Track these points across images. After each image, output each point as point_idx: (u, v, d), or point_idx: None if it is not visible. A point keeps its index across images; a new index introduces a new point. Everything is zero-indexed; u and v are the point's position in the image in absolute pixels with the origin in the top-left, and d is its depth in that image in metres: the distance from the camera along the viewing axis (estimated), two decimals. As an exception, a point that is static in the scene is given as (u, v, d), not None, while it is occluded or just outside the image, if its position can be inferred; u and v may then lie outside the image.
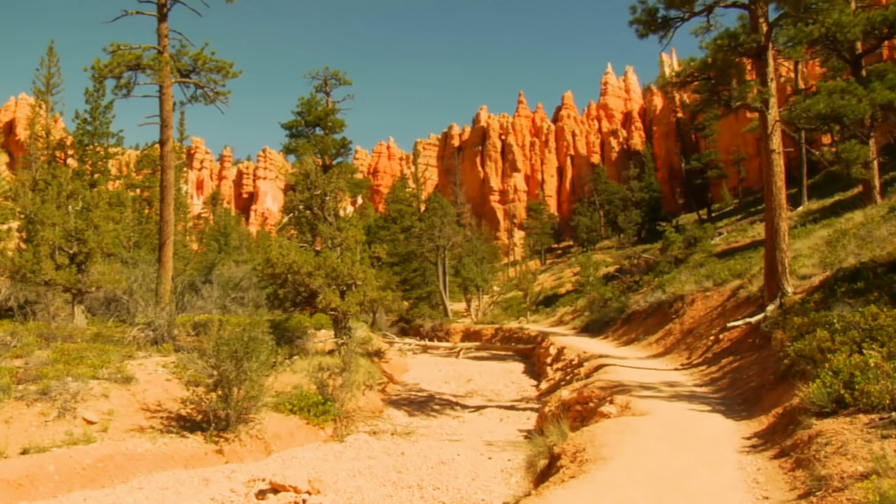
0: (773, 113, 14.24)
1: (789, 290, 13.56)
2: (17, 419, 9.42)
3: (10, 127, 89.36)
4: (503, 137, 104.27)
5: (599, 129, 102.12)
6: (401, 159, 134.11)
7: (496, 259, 70.23)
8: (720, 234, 37.17)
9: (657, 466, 6.63)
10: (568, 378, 16.60)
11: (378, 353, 22.48)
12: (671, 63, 69.51)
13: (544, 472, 7.94)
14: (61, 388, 10.20)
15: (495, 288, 53.55)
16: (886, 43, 39.90)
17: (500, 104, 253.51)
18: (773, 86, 14.38)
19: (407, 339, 34.92)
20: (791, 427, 7.15)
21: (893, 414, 5.99)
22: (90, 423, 9.90)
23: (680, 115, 77.57)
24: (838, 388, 6.80)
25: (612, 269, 44.30)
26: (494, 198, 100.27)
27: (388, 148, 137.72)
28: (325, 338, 20.20)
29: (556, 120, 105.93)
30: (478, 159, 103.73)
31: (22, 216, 20.67)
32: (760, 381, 10.19)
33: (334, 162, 33.49)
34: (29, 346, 12.65)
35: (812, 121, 19.01)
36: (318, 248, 19.57)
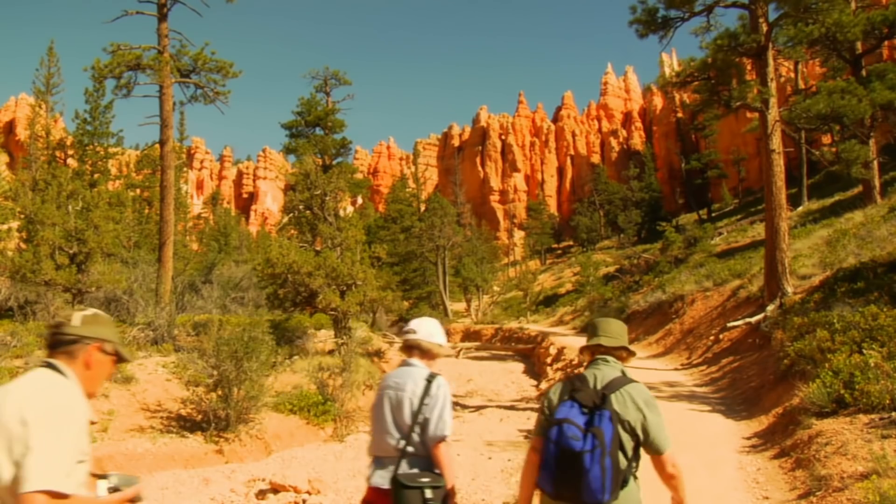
0: (773, 113, 14.26)
1: (789, 289, 13.56)
2: (17, 419, 9.41)
3: (10, 127, 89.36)
4: (503, 137, 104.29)
5: (599, 129, 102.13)
6: (401, 159, 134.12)
7: (496, 259, 70.28)
8: (720, 234, 37.20)
9: (657, 466, 6.62)
10: (568, 378, 16.58)
11: (378, 353, 22.47)
12: (671, 63, 69.45)
13: (544, 472, 7.94)
14: (61, 388, 10.19)
15: (495, 288, 53.56)
16: (886, 43, 39.88)
17: (500, 104, 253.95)
18: (773, 86, 14.40)
19: (407, 339, 34.90)
20: (791, 427, 7.15)
21: (893, 414, 5.99)
22: (90, 422, 9.90)
23: (680, 115, 77.54)
24: (838, 388, 6.81)
25: (612, 269, 44.31)
26: (494, 198, 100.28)
27: (388, 148, 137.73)
28: (325, 338, 20.20)
29: (556, 120, 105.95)
30: (478, 159, 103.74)
31: (22, 216, 20.68)
32: (760, 381, 10.19)
33: (334, 162, 33.49)
34: (29, 346, 12.64)
35: (812, 121, 19.02)
36: (318, 248, 19.57)
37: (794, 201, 30.43)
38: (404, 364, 3.30)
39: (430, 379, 3.13)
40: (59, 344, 2.21)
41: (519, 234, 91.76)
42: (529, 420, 14.41)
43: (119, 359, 2.34)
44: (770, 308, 13.28)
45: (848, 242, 15.46)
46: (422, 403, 3.05)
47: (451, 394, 3.15)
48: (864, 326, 8.26)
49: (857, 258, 13.33)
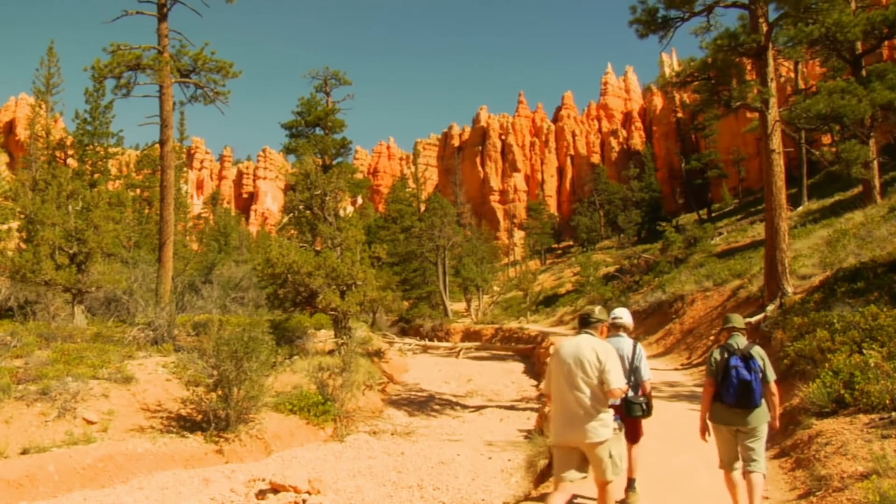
0: (773, 113, 14.25)
1: (789, 290, 13.56)
2: (17, 419, 9.41)
3: (10, 127, 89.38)
4: (503, 137, 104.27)
5: (599, 129, 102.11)
6: (401, 159, 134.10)
7: (496, 259, 70.25)
8: (720, 234, 37.19)
9: (657, 466, 6.63)
10: (568, 378, 16.56)
11: (378, 353, 22.47)
12: (671, 63, 69.42)
13: (544, 472, 7.94)
14: (61, 388, 10.19)
15: (495, 288, 53.54)
16: (886, 43, 39.88)
17: (500, 104, 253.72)
18: (773, 86, 14.39)
19: (407, 339, 34.91)
20: (791, 427, 7.16)
21: (893, 414, 6.00)
22: (90, 423, 9.90)
23: (680, 115, 77.55)
24: (838, 388, 6.81)
25: (612, 269, 44.32)
26: (494, 198, 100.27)
27: (388, 148, 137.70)
28: (325, 338, 20.20)
29: (556, 120, 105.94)
30: (478, 159, 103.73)
31: (22, 216, 20.66)
32: (760, 381, 10.19)
33: (334, 162, 33.47)
34: (29, 346, 12.64)
35: (812, 121, 18.99)
36: (318, 248, 19.56)
37: (794, 201, 30.42)
38: (614, 335, 5.68)
39: (636, 344, 5.70)
40: (589, 323, 4.66)
41: (519, 234, 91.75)
42: (529, 420, 14.40)
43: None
44: (770, 308, 13.28)
45: (848, 242, 15.45)
46: (634, 357, 5.58)
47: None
48: (864, 326, 8.26)
49: (857, 258, 13.32)
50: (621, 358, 5.27)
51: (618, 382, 4.31)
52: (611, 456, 4.37)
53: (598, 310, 4.73)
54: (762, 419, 4.88)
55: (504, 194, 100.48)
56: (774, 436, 7.46)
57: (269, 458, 10.92)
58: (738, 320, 5.25)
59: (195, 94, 20.44)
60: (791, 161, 30.33)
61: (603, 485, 4.46)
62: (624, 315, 5.85)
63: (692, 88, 16.29)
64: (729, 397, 4.86)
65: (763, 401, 4.86)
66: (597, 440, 4.30)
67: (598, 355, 4.37)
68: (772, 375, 4.93)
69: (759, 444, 4.92)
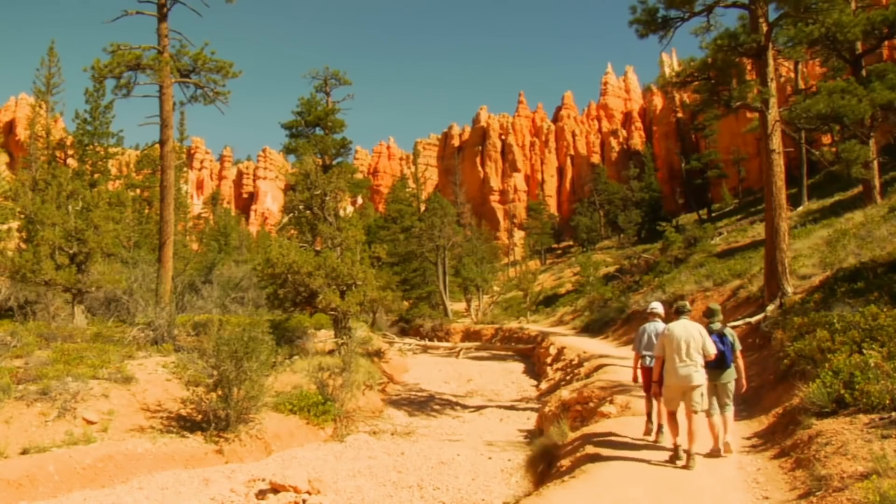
0: (773, 113, 14.24)
1: (789, 290, 13.55)
2: (17, 419, 9.42)
3: (10, 127, 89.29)
4: (503, 137, 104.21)
5: (599, 129, 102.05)
6: (401, 159, 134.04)
7: (496, 259, 70.23)
8: (720, 234, 37.16)
9: (657, 466, 6.63)
10: (568, 378, 16.60)
11: (378, 353, 22.48)
12: (671, 63, 69.39)
13: (545, 472, 7.95)
14: (61, 388, 10.20)
15: (495, 288, 53.53)
16: (886, 43, 39.86)
17: (500, 104, 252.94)
18: (773, 86, 14.38)
19: (407, 339, 34.91)
20: (791, 427, 7.16)
21: (893, 414, 6.00)
22: (90, 423, 9.90)
23: (680, 115, 77.45)
24: (838, 388, 6.81)
25: (612, 269, 44.30)
26: (494, 198, 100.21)
27: (388, 148, 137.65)
28: (325, 338, 20.20)
29: (556, 120, 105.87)
30: (478, 159, 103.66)
31: (22, 216, 20.64)
32: (760, 381, 10.18)
33: (334, 162, 33.46)
34: (29, 346, 12.64)
35: (812, 121, 18.97)
36: (318, 248, 19.56)
37: (794, 201, 30.40)
38: (653, 321, 8.01)
39: (666, 327, 7.04)
40: (683, 313, 6.96)
41: (519, 234, 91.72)
42: (529, 420, 14.40)
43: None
44: (770, 308, 13.27)
45: (848, 242, 15.44)
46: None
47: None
48: (864, 326, 8.26)
49: (857, 258, 13.31)
50: (655, 336, 7.67)
51: (713, 349, 6.63)
52: (702, 395, 6.56)
53: (687, 304, 7.07)
54: (732, 376, 6.97)
55: (504, 194, 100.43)
56: (774, 435, 7.47)
57: (269, 458, 10.92)
58: (717, 310, 7.25)
59: (195, 94, 20.45)
60: (791, 161, 30.29)
61: (691, 414, 6.53)
62: (658, 307, 8.15)
63: (692, 88, 16.27)
64: (710, 362, 6.73)
65: (732, 364, 6.92)
66: (696, 384, 6.52)
67: (700, 332, 6.66)
68: (738, 347, 6.98)
69: (730, 394, 7.03)
